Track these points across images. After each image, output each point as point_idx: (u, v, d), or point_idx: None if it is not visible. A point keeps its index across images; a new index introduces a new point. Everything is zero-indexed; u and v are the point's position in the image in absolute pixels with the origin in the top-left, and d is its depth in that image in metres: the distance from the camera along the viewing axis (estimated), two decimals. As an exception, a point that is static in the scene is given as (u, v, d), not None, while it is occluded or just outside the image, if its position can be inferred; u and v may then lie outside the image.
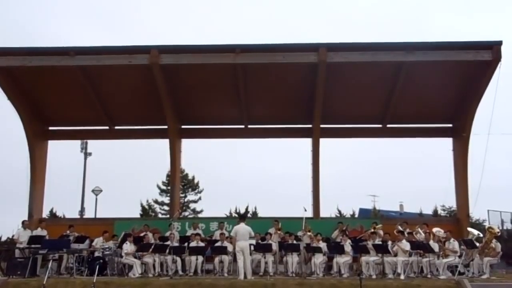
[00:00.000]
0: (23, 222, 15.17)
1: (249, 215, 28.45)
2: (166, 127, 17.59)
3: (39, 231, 14.99)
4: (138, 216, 29.40)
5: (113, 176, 40.49)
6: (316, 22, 69.95)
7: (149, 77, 15.96)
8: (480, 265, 13.06)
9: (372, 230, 14.95)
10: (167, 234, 15.13)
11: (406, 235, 14.03)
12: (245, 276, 12.41)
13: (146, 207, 32.47)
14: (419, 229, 14.79)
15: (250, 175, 45.48)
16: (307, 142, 17.97)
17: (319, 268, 13.63)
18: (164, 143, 17.90)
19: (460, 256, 13.13)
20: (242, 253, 12.67)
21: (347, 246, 13.97)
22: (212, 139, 20.18)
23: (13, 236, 15.88)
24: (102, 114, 18.03)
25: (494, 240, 13.27)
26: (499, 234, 13.78)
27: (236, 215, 28.29)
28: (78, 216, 26.74)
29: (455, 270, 12.86)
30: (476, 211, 19.03)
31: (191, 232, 15.73)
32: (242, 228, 12.96)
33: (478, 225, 19.24)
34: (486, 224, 23.32)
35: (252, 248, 13.72)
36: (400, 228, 14.73)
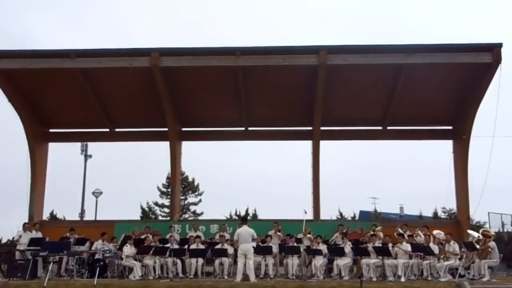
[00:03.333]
0: (24, 225, 15.20)
1: (249, 217, 28.44)
2: (166, 129, 17.59)
3: (34, 234, 15.03)
4: (139, 218, 29.45)
5: (113, 178, 40.54)
6: (316, 25, 70.05)
7: (150, 79, 15.98)
8: (481, 267, 13.04)
9: (372, 232, 14.95)
10: (168, 236, 15.13)
11: (406, 237, 14.04)
12: (248, 279, 12.38)
13: (146, 209, 32.52)
14: (419, 232, 14.78)
15: (250, 177, 45.50)
16: (308, 144, 18.00)
17: (320, 271, 13.61)
18: (165, 146, 17.91)
19: (460, 259, 13.11)
20: (244, 256, 12.62)
21: (348, 248, 13.96)
22: (213, 142, 20.18)
23: (13, 238, 15.90)
24: (103, 117, 18.04)
25: (492, 243, 13.25)
26: (494, 236, 13.74)
27: (237, 218, 28.34)
28: (79, 218, 26.81)
29: (455, 273, 12.85)
30: (477, 214, 19.01)
31: (191, 234, 15.74)
32: (244, 230, 12.90)
33: (478, 228, 19.19)
34: (487, 227, 23.36)
35: (252, 250, 13.69)
36: (400, 230, 14.73)
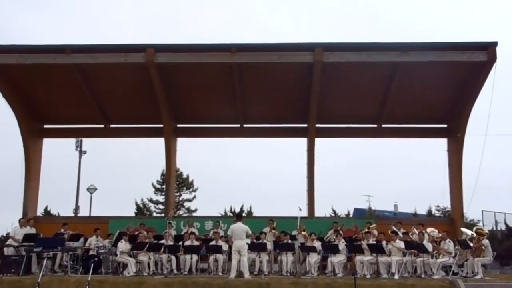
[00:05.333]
0: (19, 221, 15.14)
1: (244, 214, 28.45)
2: (161, 126, 17.57)
3: (28, 229, 14.98)
4: (133, 214, 29.40)
5: (108, 174, 40.44)
6: (312, 22, 70.05)
7: (145, 75, 15.94)
8: (474, 265, 13.10)
9: (366, 229, 14.98)
10: (164, 232, 15.08)
11: (401, 235, 14.08)
12: (242, 275, 12.40)
13: (141, 205, 32.45)
14: (415, 230, 14.80)
15: (245, 174, 45.55)
16: (303, 141, 18.01)
17: (314, 268, 13.64)
18: (160, 142, 17.90)
19: (454, 256, 13.16)
20: (238, 252, 12.65)
21: (342, 245, 13.99)
22: (208, 138, 20.17)
23: (8, 234, 15.84)
24: (98, 112, 17.99)
25: (485, 241, 13.31)
26: (487, 235, 13.81)
27: (231, 214, 28.32)
28: (73, 215, 26.70)
29: (449, 270, 12.90)
30: (471, 212, 19.11)
31: (185, 230, 15.73)
32: (238, 227, 12.90)
33: (472, 226, 19.26)
34: (480, 225, 23.46)
35: (247, 247, 13.70)
36: (394, 228, 14.76)
